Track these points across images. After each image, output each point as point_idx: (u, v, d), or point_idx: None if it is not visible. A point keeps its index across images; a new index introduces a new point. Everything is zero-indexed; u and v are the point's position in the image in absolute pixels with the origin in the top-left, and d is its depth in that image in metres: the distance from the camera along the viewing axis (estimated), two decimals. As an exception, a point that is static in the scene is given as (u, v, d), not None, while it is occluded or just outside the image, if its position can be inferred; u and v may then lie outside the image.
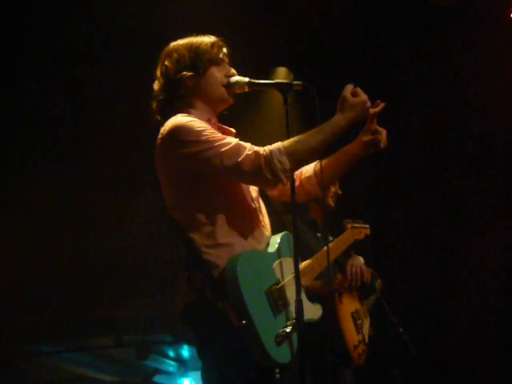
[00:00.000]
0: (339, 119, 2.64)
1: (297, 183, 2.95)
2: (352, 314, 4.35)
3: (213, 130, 2.65)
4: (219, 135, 2.63)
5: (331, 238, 4.13)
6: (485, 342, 6.12)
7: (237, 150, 2.57)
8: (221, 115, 2.88)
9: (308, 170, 3.03)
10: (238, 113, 2.90)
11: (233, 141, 2.61)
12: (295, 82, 2.68)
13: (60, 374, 8.51)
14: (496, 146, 6.40)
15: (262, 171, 2.54)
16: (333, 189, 4.50)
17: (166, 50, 2.88)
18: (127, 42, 5.59)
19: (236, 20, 5.31)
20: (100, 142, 6.03)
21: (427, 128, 6.36)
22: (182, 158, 2.62)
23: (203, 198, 2.65)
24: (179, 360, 8.89)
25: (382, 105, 2.80)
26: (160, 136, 2.69)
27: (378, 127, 2.85)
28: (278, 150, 2.56)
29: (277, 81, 2.66)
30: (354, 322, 4.34)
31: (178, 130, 2.64)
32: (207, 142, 2.59)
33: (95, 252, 6.31)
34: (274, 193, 3.01)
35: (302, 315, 2.51)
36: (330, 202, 4.49)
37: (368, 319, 4.51)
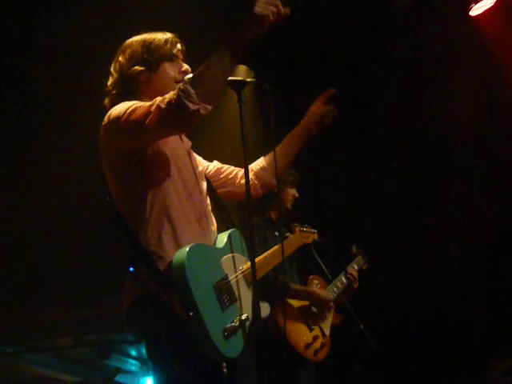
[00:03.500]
0: (228, 45, 2.49)
1: (252, 178, 3.00)
2: (301, 310, 4.34)
3: (142, 103, 2.60)
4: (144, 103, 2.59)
5: (287, 235, 4.14)
6: (447, 336, 6.18)
7: (151, 102, 2.54)
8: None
9: (258, 162, 3.10)
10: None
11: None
12: (248, 80, 2.67)
13: (21, 375, 8.39)
14: (457, 144, 6.46)
15: (172, 106, 2.43)
16: (291, 192, 4.59)
17: (121, 46, 2.89)
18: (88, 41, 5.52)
19: (195, 16, 5.28)
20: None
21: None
22: (115, 134, 2.61)
23: (146, 189, 2.63)
24: (141, 359, 8.84)
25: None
26: (102, 125, 2.68)
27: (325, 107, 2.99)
28: (179, 87, 2.47)
29: (230, 78, 2.63)
30: (304, 320, 4.33)
31: (112, 111, 2.64)
32: (132, 109, 2.57)
33: (56, 250, 6.23)
34: (229, 188, 3.02)
35: (259, 313, 2.54)
36: (289, 205, 4.59)
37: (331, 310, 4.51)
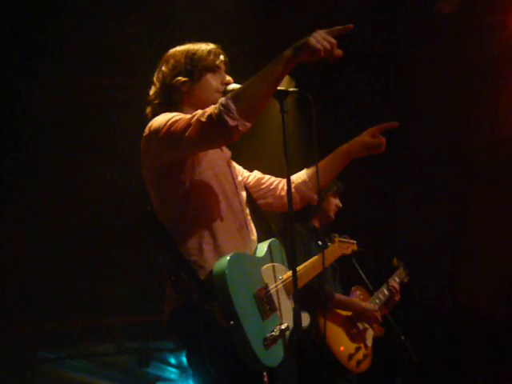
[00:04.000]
0: (275, 64, 2.46)
1: (283, 192, 3.01)
2: (344, 321, 4.31)
3: (183, 115, 2.62)
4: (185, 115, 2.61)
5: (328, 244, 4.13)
6: (489, 349, 6.08)
7: (192, 115, 2.55)
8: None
9: (300, 175, 3.09)
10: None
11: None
12: (291, 89, 2.66)
13: (62, 381, 8.48)
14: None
15: (212, 121, 2.44)
16: (334, 202, 4.58)
17: (165, 56, 2.91)
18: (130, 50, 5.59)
19: (240, 27, 5.31)
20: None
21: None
22: (155, 145, 2.63)
23: (187, 199, 2.65)
24: (181, 367, 8.85)
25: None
26: (143, 136, 2.71)
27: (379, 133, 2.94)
28: (221, 102, 2.47)
29: (273, 88, 2.63)
30: (347, 330, 4.30)
31: (153, 123, 2.66)
32: (173, 121, 2.58)
33: (99, 259, 6.31)
34: (269, 200, 3.02)
35: (300, 322, 2.51)
36: (331, 214, 4.59)
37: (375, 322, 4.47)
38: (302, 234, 4.32)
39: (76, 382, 8.54)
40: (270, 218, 3.08)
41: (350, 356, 4.22)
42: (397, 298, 4.66)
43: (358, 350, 4.28)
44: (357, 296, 4.54)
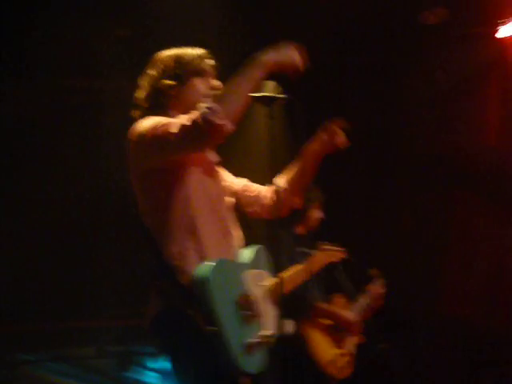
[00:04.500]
0: (255, 69, 2.58)
1: (274, 198, 2.97)
2: (326, 327, 4.32)
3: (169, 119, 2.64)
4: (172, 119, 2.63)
5: (311, 253, 4.14)
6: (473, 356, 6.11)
7: (179, 120, 2.58)
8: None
9: (280, 183, 3.06)
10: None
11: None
12: (279, 96, 2.68)
13: (41, 384, 8.43)
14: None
15: (197, 123, 2.47)
16: (318, 213, 4.61)
17: (152, 59, 2.91)
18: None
19: (224, 31, 5.31)
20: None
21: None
22: (141, 149, 2.64)
23: (171, 203, 2.64)
24: (161, 371, 8.82)
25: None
26: (129, 139, 2.71)
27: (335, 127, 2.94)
28: (206, 106, 2.52)
29: (261, 94, 2.64)
30: (329, 336, 4.31)
31: (139, 127, 2.67)
32: (159, 124, 2.60)
33: (80, 262, 6.28)
34: (255, 208, 3.02)
35: (283, 330, 2.54)
36: (315, 224, 4.61)
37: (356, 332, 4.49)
38: (285, 241, 4.32)
39: (55, 385, 8.49)
40: (256, 224, 3.08)
41: (332, 362, 4.22)
42: (380, 303, 4.68)
43: (339, 356, 4.29)
44: (339, 304, 4.55)
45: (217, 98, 2.55)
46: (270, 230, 3.03)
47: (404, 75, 6.23)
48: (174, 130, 2.52)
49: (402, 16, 5.75)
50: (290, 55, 2.61)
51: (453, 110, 6.25)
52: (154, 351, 7.43)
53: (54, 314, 6.47)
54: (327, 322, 4.34)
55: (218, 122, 2.44)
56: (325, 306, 4.39)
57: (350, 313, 4.44)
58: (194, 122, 2.47)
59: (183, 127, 2.50)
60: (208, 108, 2.47)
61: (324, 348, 4.24)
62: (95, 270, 6.23)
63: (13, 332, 6.67)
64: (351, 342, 4.42)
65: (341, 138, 2.96)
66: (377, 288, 4.70)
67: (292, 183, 3.00)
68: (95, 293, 6.31)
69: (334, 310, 4.41)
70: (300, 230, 4.61)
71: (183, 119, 2.53)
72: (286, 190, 3.03)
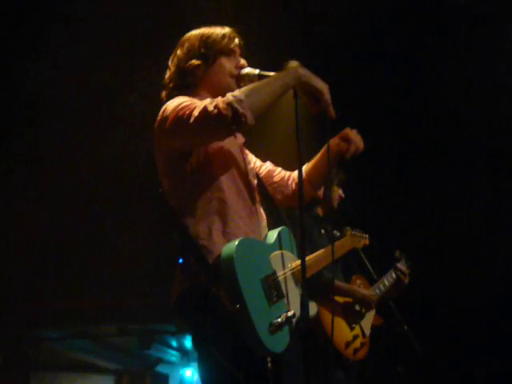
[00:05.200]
0: (289, 77, 2.62)
1: (294, 188, 3.00)
2: (342, 309, 4.33)
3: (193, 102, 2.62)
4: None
5: (338, 234, 4.13)
6: (492, 338, 6.10)
7: (202, 102, 2.57)
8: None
9: (306, 170, 3.06)
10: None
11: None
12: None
13: (65, 360, 8.55)
14: None
15: (219, 108, 2.46)
16: (338, 192, 4.59)
17: (180, 40, 2.91)
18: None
19: (252, 10, 5.30)
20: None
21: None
22: (165, 130, 2.62)
23: (197, 183, 2.65)
24: (182, 350, 8.91)
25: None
26: (156, 120, 2.71)
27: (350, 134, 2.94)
28: (231, 93, 2.52)
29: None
30: (345, 318, 4.32)
31: (165, 107, 2.66)
32: (181, 107, 2.59)
33: (102, 240, 6.33)
34: (279, 193, 3.02)
35: (307, 311, 2.51)
36: (335, 203, 4.60)
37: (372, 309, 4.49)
38: (305, 223, 4.31)
39: (79, 361, 8.61)
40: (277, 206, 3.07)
41: (348, 343, 4.24)
42: (406, 281, 4.67)
43: (355, 337, 4.30)
44: (357, 285, 4.55)
45: (246, 90, 2.54)
46: (292, 212, 3.03)
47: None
48: (195, 112, 2.51)
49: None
50: (323, 88, 2.64)
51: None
52: (175, 329, 7.52)
53: (76, 291, 6.55)
54: (344, 301, 4.35)
55: (241, 110, 2.44)
56: (342, 284, 4.39)
57: (368, 291, 4.45)
58: (216, 106, 2.46)
59: (204, 111, 2.49)
60: (233, 95, 2.47)
61: (340, 328, 4.25)
62: (118, 248, 6.28)
63: (36, 309, 6.76)
64: (367, 324, 4.42)
65: (359, 144, 2.95)
66: (401, 268, 4.69)
67: (310, 174, 2.99)
68: (117, 271, 6.36)
69: (352, 287, 4.42)
70: (319, 211, 4.60)
71: (207, 102, 2.52)
72: (305, 181, 3.02)
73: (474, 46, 5.87)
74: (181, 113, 2.55)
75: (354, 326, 4.33)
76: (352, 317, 4.35)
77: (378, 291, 4.54)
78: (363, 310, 4.42)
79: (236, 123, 2.46)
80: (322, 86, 2.64)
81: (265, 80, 2.59)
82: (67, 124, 5.96)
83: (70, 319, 6.98)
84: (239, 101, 2.45)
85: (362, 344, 4.33)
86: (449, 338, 6.27)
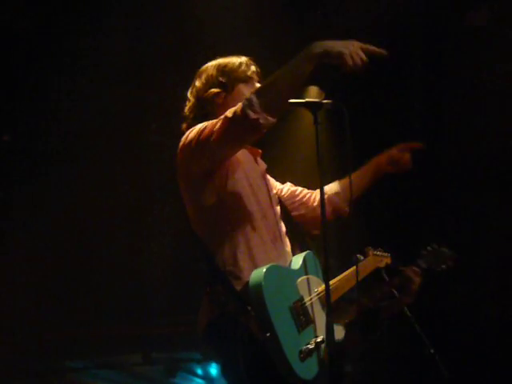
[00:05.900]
0: (301, 60, 2.48)
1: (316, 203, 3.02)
2: None
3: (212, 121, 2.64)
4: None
5: (362, 258, 4.11)
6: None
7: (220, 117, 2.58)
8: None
9: (332, 186, 3.11)
10: (266, 132, 2.88)
11: None
12: (325, 101, 2.66)
13: (89, 391, 8.52)
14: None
15: (235, 115, 2.48)
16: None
17: (197, 72, 2.97)
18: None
19: (268, 36, 5.34)
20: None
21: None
22: (189, 156, 2.66)
23: (222, 211, 2.67)
24: (207, 378, 8.84)
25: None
26: (179, 148, 2.74)
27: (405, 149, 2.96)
28: (246, 97, 2.51)
29: (307, 100, 2.65)
30: None
31: (187, 134, 2.71)
32: (203, 128, 2.63)
33: (125, 267, 6.34)
34: (302, 212, 3.03)
35: (333, 335, 2.49)
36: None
37: None
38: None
39: (104, 392, 8.57)
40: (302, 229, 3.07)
41: None
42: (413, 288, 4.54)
43: None
44: None
45: (258, 89, 2.56)
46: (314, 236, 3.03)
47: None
48: (218, 123, 2.55)
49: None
50: (346, 47, 2.41)
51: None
52: (201, 357, 7.48)
53: (101, 321, 6.54)
54: None
55: (252, 116, 2.44)
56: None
57: None
58: (234, 113, 2.49)
59: (221, 123, 2.53)
60: (247, 100, 2.48)
61: None
62: (144, 276, 6.28)
63: (61, 339, 6.76)
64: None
65: (406, 164, 2.98)
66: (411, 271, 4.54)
67: (347, 190, 2.97)
68: (142, 299, 6.36)
69: None
70: None
71: (225, 113, 2.56)
72: (338, 193, 3.06)
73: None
74: (203, 132, 2.59)
75: None
76: None
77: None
78: None
79: (250, 126, 2.47)
80: (339, 49, 2.41)
81: (277, 72, 2.51)
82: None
83: (94, 349, 6.97)
84: (251, 104, 2.45)
85: None
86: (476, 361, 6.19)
